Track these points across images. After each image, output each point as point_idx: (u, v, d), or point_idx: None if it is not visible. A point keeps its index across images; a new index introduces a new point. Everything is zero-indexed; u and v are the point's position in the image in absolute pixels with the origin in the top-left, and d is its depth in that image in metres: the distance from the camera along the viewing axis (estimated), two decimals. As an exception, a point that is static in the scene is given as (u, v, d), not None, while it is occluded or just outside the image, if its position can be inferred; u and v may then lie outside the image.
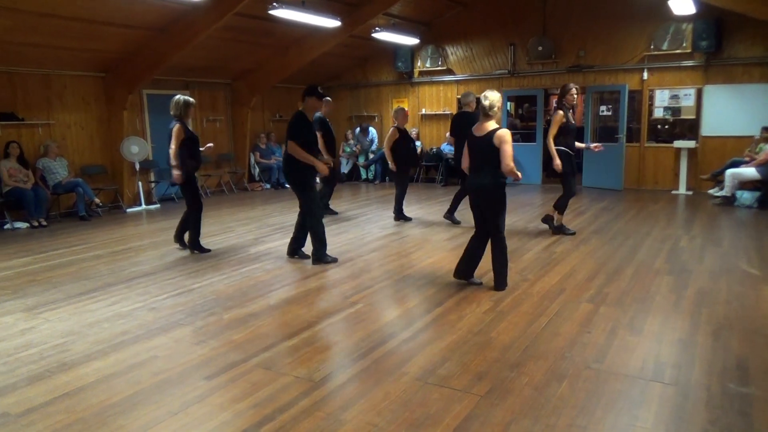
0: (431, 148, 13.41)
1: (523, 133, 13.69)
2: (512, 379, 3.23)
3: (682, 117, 10.84)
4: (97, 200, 9.34)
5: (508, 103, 13.29)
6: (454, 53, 13.07)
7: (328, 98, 8.56)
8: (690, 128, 10.79)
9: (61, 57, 8.95)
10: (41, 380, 3.35)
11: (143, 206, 10.25)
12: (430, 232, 7.50)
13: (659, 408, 2.89)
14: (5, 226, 8.42)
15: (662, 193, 10.75)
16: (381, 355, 3.60)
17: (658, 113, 11.07)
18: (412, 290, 5.02)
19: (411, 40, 12.43)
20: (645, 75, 11.02)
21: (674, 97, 10.87)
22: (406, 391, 3.12)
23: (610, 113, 11.75)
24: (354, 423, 2.80)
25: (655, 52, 10.81)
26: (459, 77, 13.01)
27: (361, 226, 7.94)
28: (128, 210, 9.96)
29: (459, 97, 7.87)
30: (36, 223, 8.47)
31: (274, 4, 8.53)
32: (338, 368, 3.44)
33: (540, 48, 11.79)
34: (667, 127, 11.08)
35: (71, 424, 2.85)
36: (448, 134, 12.88)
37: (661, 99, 10.98)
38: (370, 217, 8.58)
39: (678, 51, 10.60)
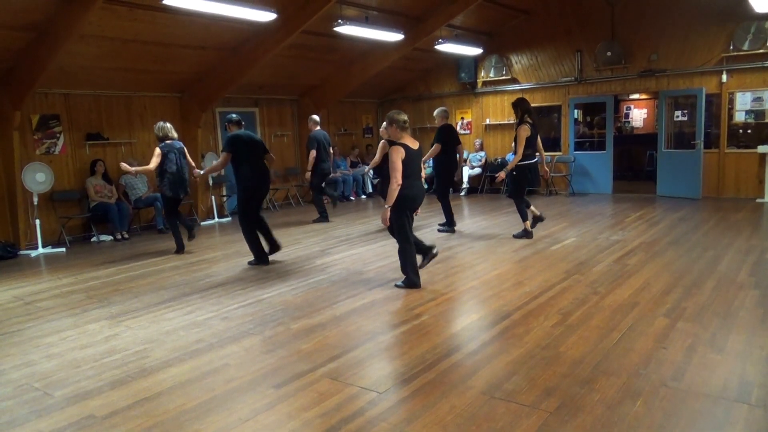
0: (495, 158, 13.26)
1: (592, 141, 13.32)
2: (583, 396, 3.12)
3: (767, 120, 10.21)
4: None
5: (576, 111, 12.96)
6: (519, 62, 12.90)
7: (315, 117, 9.89)
8: (776, 132, 10.16)
9: (142, 79, 9.53)
10: (123, 385, 3.54)
11: (216, 219, 10.69)
12: (495, 243, 7.39)
13: (745, 431, 2.72)
14: (92, 239, 9.03)
15: (745, 201, 10.12)
16: (446, 367, 3.58)
17: (740, 117, 10.47)
18: (478, 302, 4.96)
19: (474, 51, 12.38)
20: (724, 77, 10.46)
21: (757, 99, 10.24)
22: (472, 404, 3.08)
23: (685, 118, 11.23)
24: (419, 436, 2.79)
25: (735, 53, 10.25)
26: (524, 86, 12.82)
27: (424, 238, 7.91)
28: (202, 223, 10.40)
29: (441, 110, 8.23)
30: (119, 236, 9.02)
31: (339, 21, 8.74)
32: (403, 380, 3.44)
33: (609, 53, 11.45)
34: (749, 131, 10.45)
35: (150, 427, 3.00)
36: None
37: (743, 102, 10.38)
38: (434, 229, 8.54)
39: (761, 51, 10.01)
